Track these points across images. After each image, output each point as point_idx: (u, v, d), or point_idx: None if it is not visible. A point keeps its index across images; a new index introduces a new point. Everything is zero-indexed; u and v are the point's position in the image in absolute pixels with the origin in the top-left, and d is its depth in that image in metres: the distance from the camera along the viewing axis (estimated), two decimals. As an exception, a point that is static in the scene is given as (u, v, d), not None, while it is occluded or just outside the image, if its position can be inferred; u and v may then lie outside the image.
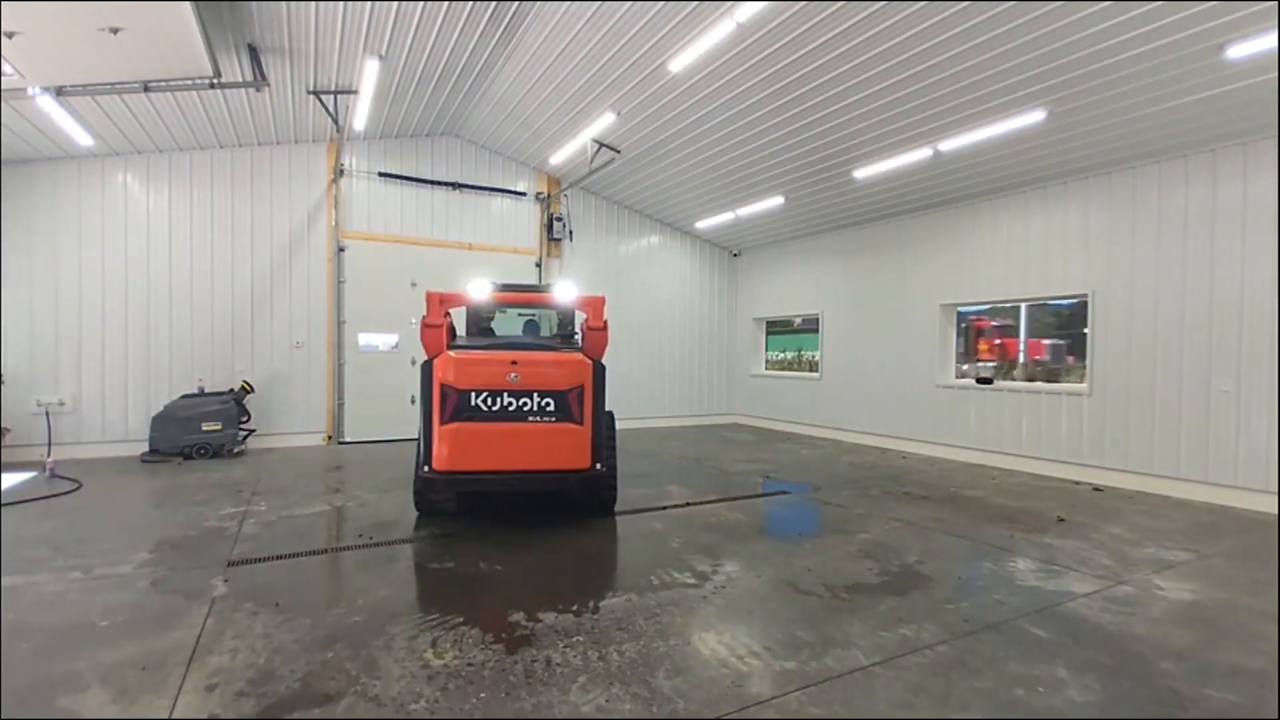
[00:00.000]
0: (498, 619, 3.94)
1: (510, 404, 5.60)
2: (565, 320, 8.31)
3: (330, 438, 11.05)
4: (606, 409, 6.10)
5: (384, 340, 11.62)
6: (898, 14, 6.34)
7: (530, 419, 5.61)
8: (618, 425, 6.97)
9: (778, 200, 11.55)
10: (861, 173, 9.69)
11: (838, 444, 11.90)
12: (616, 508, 6.74)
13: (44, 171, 9.33)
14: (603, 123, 9.78)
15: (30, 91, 6.96)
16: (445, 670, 3.30)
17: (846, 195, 10.85)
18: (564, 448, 5.65)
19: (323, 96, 8.96)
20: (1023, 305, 10.21)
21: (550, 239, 13.03)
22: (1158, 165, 7.94)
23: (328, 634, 3.71)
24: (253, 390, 10.20)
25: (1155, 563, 5.27)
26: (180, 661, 3.36)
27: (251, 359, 10.54)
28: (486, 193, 12.44)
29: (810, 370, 14.10)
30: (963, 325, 11.14)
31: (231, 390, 10.05)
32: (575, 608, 4.14)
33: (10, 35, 5.80)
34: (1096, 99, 6.92)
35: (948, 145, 8.41)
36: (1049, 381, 9.83)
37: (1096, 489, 8.11)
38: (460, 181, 12.14)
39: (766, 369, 15.30)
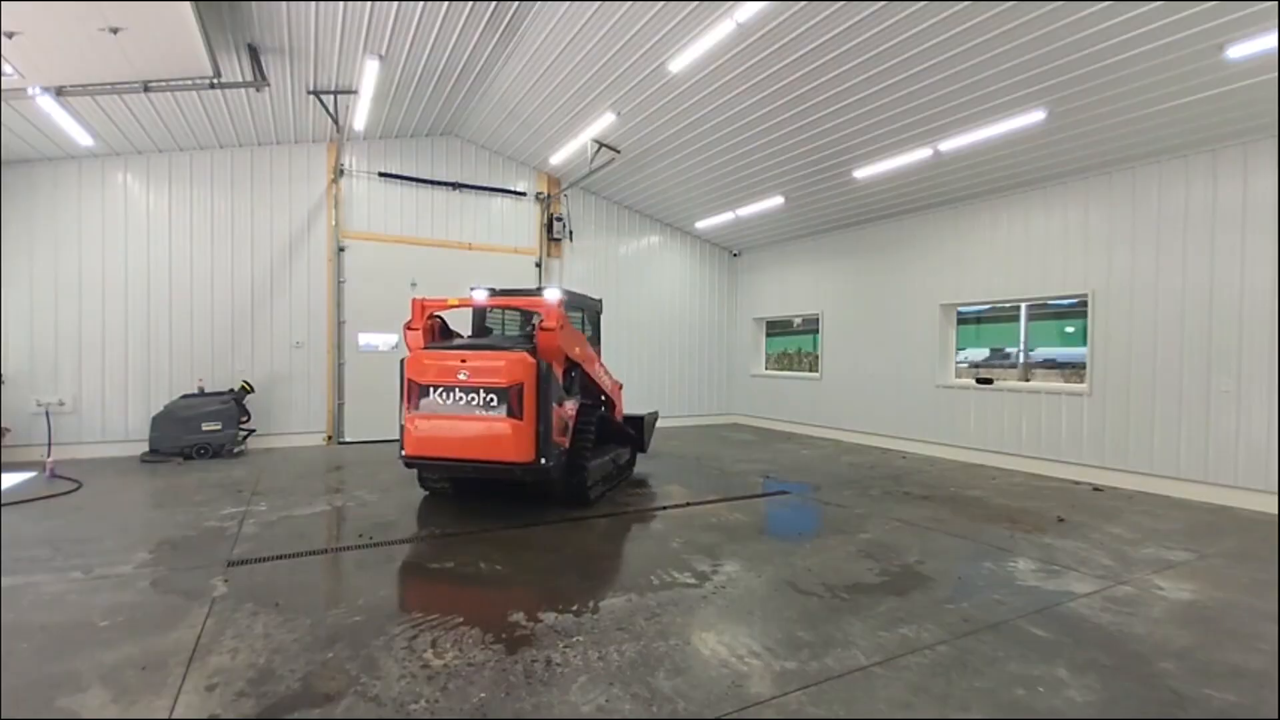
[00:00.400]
0: (498, 619, 3.94)
1: (460, 398, 6.18)
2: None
3: (330, 438, 11.05)
4: (647, 411, 8.52)
5: (384, 340, 11.62)
6: (898, 14, 6.34)
7: (476, 412, 6.10)
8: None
9: (778, 200, 11.55)
10: (861, 173, 9.69)
11: (838, 444, 11.90)
12: (616, 508, 6.75)
13: (44, 171, 9.33)
14: (603, 123, 9.78)
15: (30, 91, 6.96)
16: (445, 670, 3.30)
17: (846, 195, 10.85)
18: (506, 441, 6.01)
19: (323, 96, 8.96)
20: (1023, 305, 10.21)
21: (550, 239, 13.03)
22: (1158, 165, 7.94)
23: (328, 634, 3.71)
24: (253, 390, 10.20)
25: (1155, 563, 5.27)
26: (180, 661, 3.36)
27: (251, 359, 10.54)
28: (486, 193, 12.44)
29: (810, 370, 14.09)
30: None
31: (231, 390, 10.05)
32: (575, 608, 4.14)
33: (10, 35, 5.80)
34: (1096, 99, 6.92)
35: (948, 145, 8.41)
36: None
37: (1096, 489, 8.11)
38: (460, 181, 12.14)
39: (767, 369, 15.30)
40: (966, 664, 3.47)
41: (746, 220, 12.90)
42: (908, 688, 3.21)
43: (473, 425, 6.13)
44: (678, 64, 7.69)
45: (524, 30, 8.15)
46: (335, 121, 9.45)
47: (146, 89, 7.36)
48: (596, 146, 10.77)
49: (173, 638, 3.63)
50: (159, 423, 9.38)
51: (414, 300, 6.75)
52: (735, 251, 15.42)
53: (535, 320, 6.95)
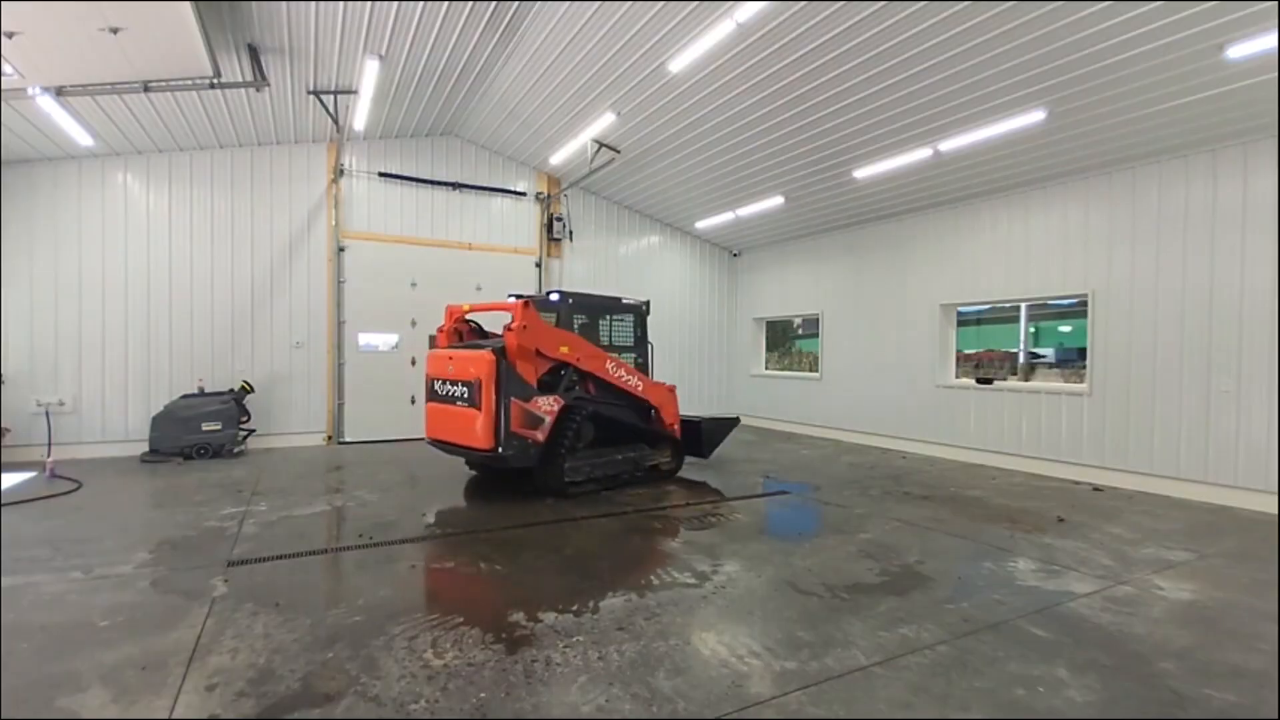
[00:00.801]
0: (498, 619, 3.94)
1: (450, 391, 7.19)
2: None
3: (330, 438, 11.05)
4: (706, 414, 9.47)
5: (384, 340, 11.62)
6: (898, 14, 6.34)
7: (458, 404, 7.05)
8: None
9: (778, 200, 11.55)
10: (861, 173, 9.69)
11: (838, 444, 11.90)
12: (616, 508, 6.77)
13: (44, 171, 9.32)
14: (603, 123, 9.78)
15: (30, 91, 6.96)
16: (445, 670, 3.30)
17: (846, 195, 10.85)
18: (472, 429, 6.85)
19: (323, 96, 8.95)
20: (1023, 305, 10.21)
21: (550, 239, 13.03)
22: (1158, 165, 7.94)
23: (328, 634, 3.71)
24: (253, 390, 10.20)
25: (1155, 563, 5.27)
26: (180, 661, 3.36)
27: (251, 359, 10.54)
28: (486, 193, 12.44)
29: (810, 370, 14.10)
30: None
31: (231, 390, 10.05)
32: (575, 608, 4.14)
33: (10, 35, 5.80)
34: (1096, 99, 6.92)
35: (948, 145, 8.41)
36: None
37: (1096, 489, 8.11)
38: (460, 181, 12.14)
39: (767, 369, 15.30)
40: (966, 664, 3.47)
41: (746, 220, 12.90)
42: (908, 688, 3.21)
43: (456, 414, 7.07)
44: (678, 64, 7.69)
45: (524, 30, 8.15)
46: (335, 121, 9.45)
47: (146, 89, 7.35)
48: (596, 146, 10.77)
49: (173, 638, 3.63)
50: (159, 423, 9.38)
51: (448, 306, 7.95)
52: (735, 251, 15.42)
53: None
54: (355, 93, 8.82)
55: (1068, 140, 7.86)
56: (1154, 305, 8.00)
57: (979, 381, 10.26)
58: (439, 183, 11.95)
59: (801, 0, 6.44)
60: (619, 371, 7.87)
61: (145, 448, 9.44)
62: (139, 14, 5.76)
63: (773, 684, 3.23)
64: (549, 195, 13.00)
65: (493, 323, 8.17)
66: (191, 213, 10.17)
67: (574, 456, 7.33)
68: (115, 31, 5.95)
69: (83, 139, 8.56)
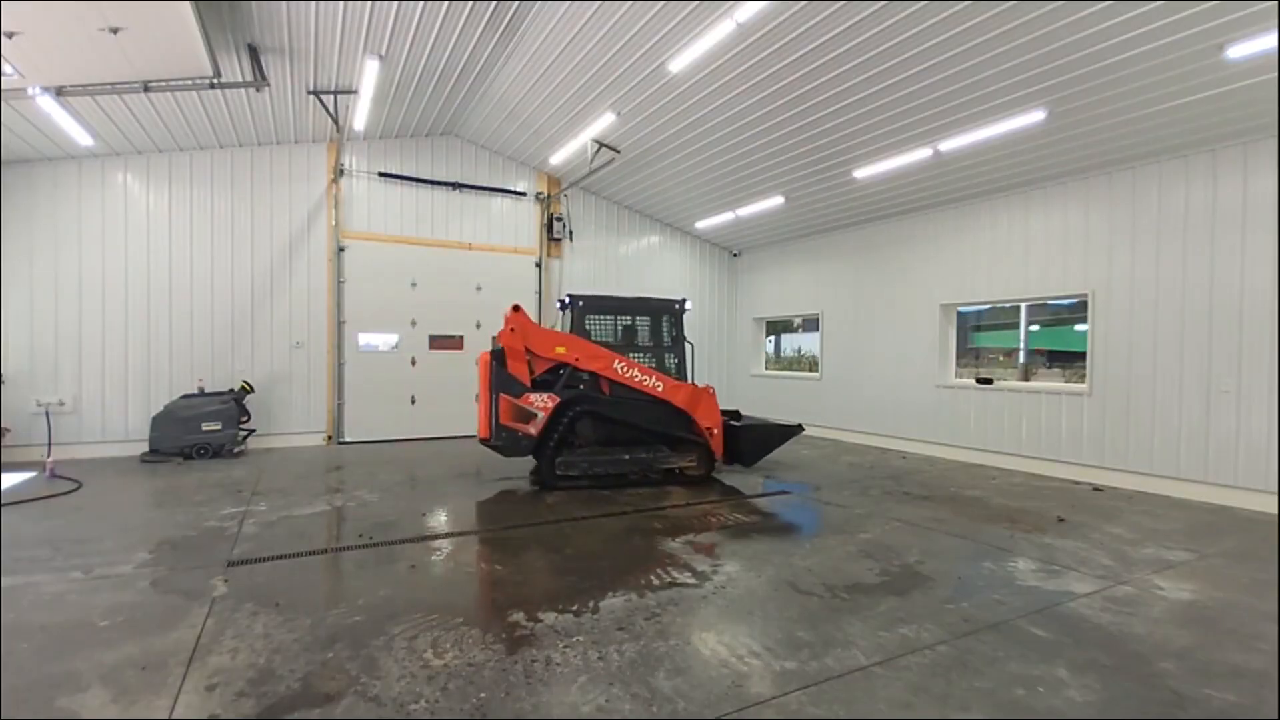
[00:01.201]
0: (498, 619, 3.94)
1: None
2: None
3: (330, 438, 11.05)
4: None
5: (384, 340, 11.62)
6: (898, 14, 6.34)
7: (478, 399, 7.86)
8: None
9: (778, 200, 11.55)
10: (861, 173, 9.69)
11: (838, 444, 11.90)
12: (616, 508, 6.78)
13: (44, 171, 9.32)
14: (603, 123, 9.78)
15: (30, 91, 6.96)
16: (445, 670, 3.30)
17: (846, 195, 10.85)
18: (478, 421, 7.81)
19: (323, 96, 8.95)
20: (1023, 305, 10.21)
21: (550, 239, 13.03)
22: (1158, 165, 7.94)
23: (328, 634, 3.71)
24: (253, 390, 10.20)
25: (1155, 563, 5.27)
26: (180, 661, 3.36)
27: (251, 359, 10.54)
28: (486, 193, 12.44)
29: (810, 370, 14.09)
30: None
31: (231, 390, 10.05)
32: (575, 608, 4.14)
33: (10, 35, 5.80)
34: (1096, 99, 6.92)
35: (948, 145, 8.41)
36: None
37: (1096, 489, 8.11)
38: (460, 181, 12.14)
39: (767, 369, 15.30)
40: (966, 664, 3.47)
41: (746, 220, 12.90)
42: (908, 688, 3.21)
43: (480, 408, 7.82)
44: (678, 64, 7.69)
45: (524, 30, 8.15)
46: (335, 121, 9.45)
47: (146, 89, 7.35)
48: (596, 146, 10.77)
49: (173, 638, 3.63)
50: (159, 423, 9.38)
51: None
52: (735, 251, 15.42)
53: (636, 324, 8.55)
54: (355, 93, 8.82)
55: (1068, 140, 7.86)
56: (1154, 305, 8.00)
57: (979, 381, 10.26)
58: (439, 183, 11.95)
59: (801, 0, 6.44)
60: (630, 371, 7.82)
61: (145, 448, 9.44)
62: (139, 14, 5.76)
63: (773, 684, 3.23)
64: (549, 195, 13.00)
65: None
66: (191, 213, 10.17)
67: (571, 452, 7.76)
68: (115, 31, 5.95)
69: (83, 139, 8.56)
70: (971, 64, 6.81)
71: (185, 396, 9.77)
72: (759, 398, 14.65)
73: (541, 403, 7.47)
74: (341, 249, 11.17)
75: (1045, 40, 6.23)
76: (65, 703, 2.97)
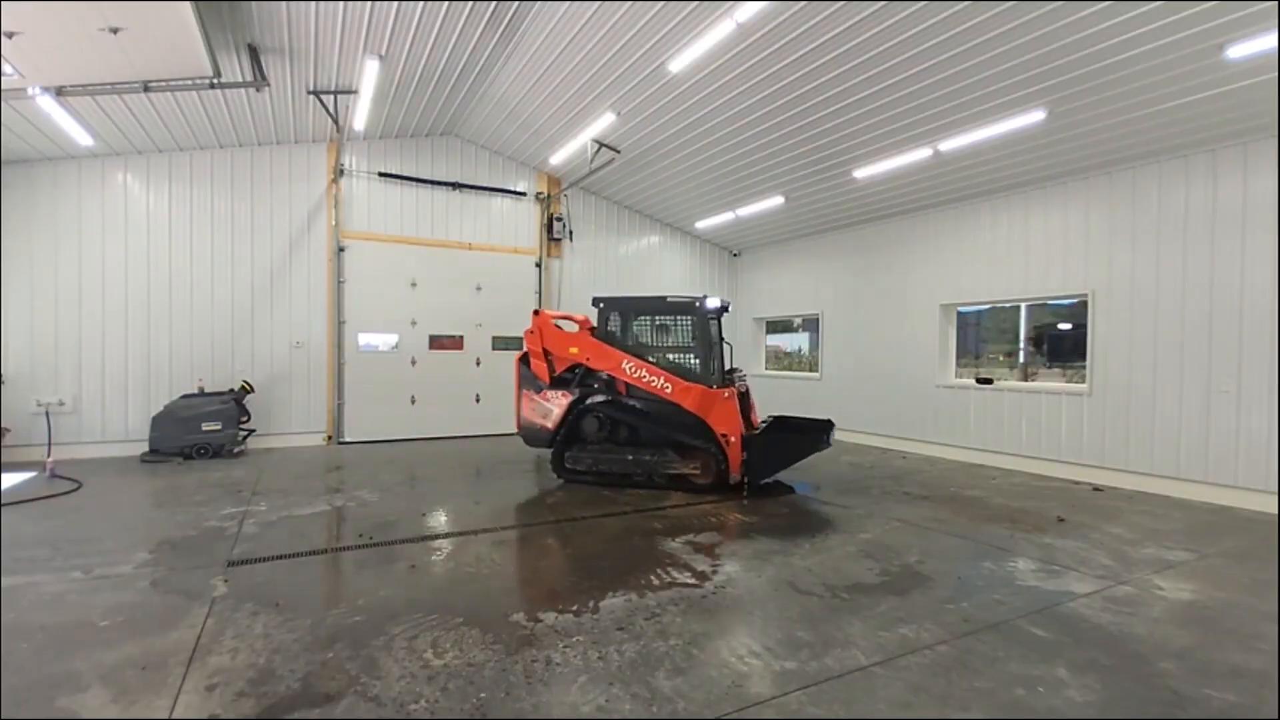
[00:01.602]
0: (498, 619, 3.94)
1: None
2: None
3: (330, 438, 11.05)
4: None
5: (384, 340, 11.62)
6: (898, 14, 6.34)
7: None
8: None
9: (778, 200, 11.55)
10: (861, 173, 9.69)
11: (838, 444, 11.84)
12: (616, 508, 6.79)
13: (44, 171, 9.32)
14: (603, 123, 9.78)
15: (30, 91, 6.96)
16: (445, 670, 3.30)
17: (846, 195, 10.84)
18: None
19: (323, 96, 8.95)
20: (1023, 305, 10.22)
21: (550, 239, 13.03)
22: (1158, 165, 7.94)
23: (328, 634, 3.71)
24: (253, 390, 10.20)
25: (1155, 563, 5.27)
26: (180, 661, 3.36)
27: (251, 359, 10.53)
28: (486, 193, 12.44)
29: (809, 370, 14.09)
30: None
31: (231, 390, 10.05)
32: (575, 608, 4.14)
33: (10, 35, 5.80)
34: (1096, 99, 6.92)
35: (948, 145, 8.40)
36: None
37: (1096, 489, 8.11)
38: (460, 181, 12.14)
39: (766, 369, 15.29)
40: (966, 664, 3.47)
41: (746, 220, 12.90)
42: (908, 688, 3.21)
43: None
44: (678, 64, 7.69)
45: (524, 30, 8.15)
46: (335, 121, 9.45)
47: (146, 89, 7.35)
48: (596, 146, 10.77)
49: (173, 638, 3.64)
50: (159, 423, 9.38)
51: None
52: (735, 251, 15.42)
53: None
54: (355, 93, 8.82)
55: (1068, 140, 7.86)
56: (1154, 305, 8.00)
57: (979, 381, 10.26)
58: (439, 183, 11.95)
59: (801, 0, 6.44)
60: (638, 372, 7.80)
61: (145, 448, 9.44)
62: (139, 14, 5.76)
63: (773, 684, 3.23)
64: (549, 195, 13.00)
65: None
66: (191, 213, 10.17)
67: (581, 448, 8.00)
68: (115, 31, 5.95)
69: (83, 139, 8.56)
70: (971, 64, 6.81)
71: (185, 396, 9.77)
72: (759, 398, 14.64)
73: (556, 399, 8.01)
74: (341, 249, 11.17)
75: (1045, 40, 6.22)
76: (65, 703, 2.98)
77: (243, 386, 10.10)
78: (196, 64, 6.82)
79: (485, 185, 12.40)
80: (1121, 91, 6.71)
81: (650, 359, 7.91)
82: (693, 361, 7.95)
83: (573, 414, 7.94)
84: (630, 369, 7.83)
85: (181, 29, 6.09)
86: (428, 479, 8.34)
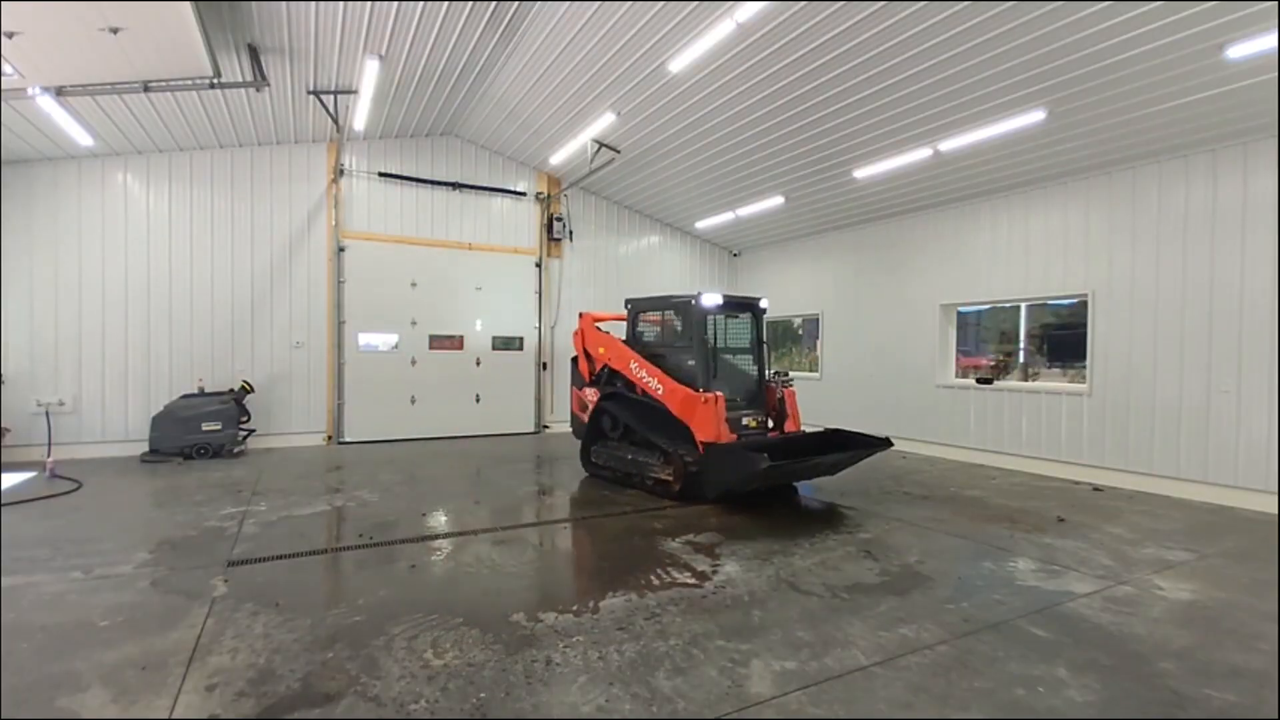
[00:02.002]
0: (498, 619, 3.94)
1: None
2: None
3: (330, 438, 11.05)
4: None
5: (384, 340, 11.62)
6: (898, 14, 6.34)
7: None
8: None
9: (778, 200, 11.55)
10: (861, 173, 9.69)
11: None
12: (616, 508, 6.78)
13: (44, 171, 9.32)
14: (603, 123, 9.78)
15: (30, 91, 6.96)
16: (445, 670, 3.30)
17: (846, 195, 10.84)
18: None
19: (323, 96, 8.95)
20: (1023, 305, 10.22)
21: (550, 239, 13.03)
22: (1158, 165, 7.94)
23: (328, 634, 3.71)
24: (253, 390, 10.20)
25: (1155, 563, 5.27)
26: (180, 661, 3.36)
27: (251, 359, 10.53)
28: (486, 193, 12.44)
29: (810, 370, 14.09)
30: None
31: (231, 390, 10.05)
32: (575, 608, 4.14)
33: (10, 35, 5.80)
34: (1096, 99, 6.92)
35: (948, 145, 8.40)
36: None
37: (1096, 489, 8.11)
38: (460, 181, 12.14)
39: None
40: (966, 664, 3.47)
41: (746, 220, 12.90)
42: (908, 688, 3.21)
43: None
44: (678, 64, 7.69)
45: (524, 30, 8.15)
46: (335, 121, 9.45)
47: (146, 89, 7.35)
48: (596, 146, 10.77)
49: (173, 638, 3.64)
50: (159, 423, 9.38)
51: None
52: (735, 251, 15.42)
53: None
54: (355, 93, 8.82)
55: (1068, 140, 7.86)
56: (1154, 305, 8.00)
57: (979, 381, 10.26)
58: (439, 183, 11.95)
59: (801, 0, 6.44)
60: (640, 372, 7.86)
61: (145, 448, 9.44)
62: (139, 14, 5.76)
63: (773, 684, 3.23)
64: (549, 195, 13.00)
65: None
66: (191, 213, 10.17)
67: (603, 444, 8.38)
68: (115, 31, 5.94)
69: (83, 139, 8.56)
70: (971, 64, 6.81)
71: (185, 396, 9.77)
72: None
73: (589, 396, 8.57)
74: (341, 249, 11.17)
75: (1045, 40, 6.22)
76: (65, 703, 2.98)
77: (243, 386, 10.10)
78: (196, 64, 6.81)
79: (485, 185, 12.39)
80: (1121, 91, 6.71)
81: (653, 358, 7.92)
82: (690, 362, 7.62)
83: (599, 412, 8.39)
84: (635, 368, 7.91)
85: (181, 29, 6.08)
86: (428, 479, 8.34)
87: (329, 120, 9.53)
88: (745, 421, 7.67)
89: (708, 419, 7.04)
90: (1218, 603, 4.43)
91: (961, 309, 10.86)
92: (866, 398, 11.95)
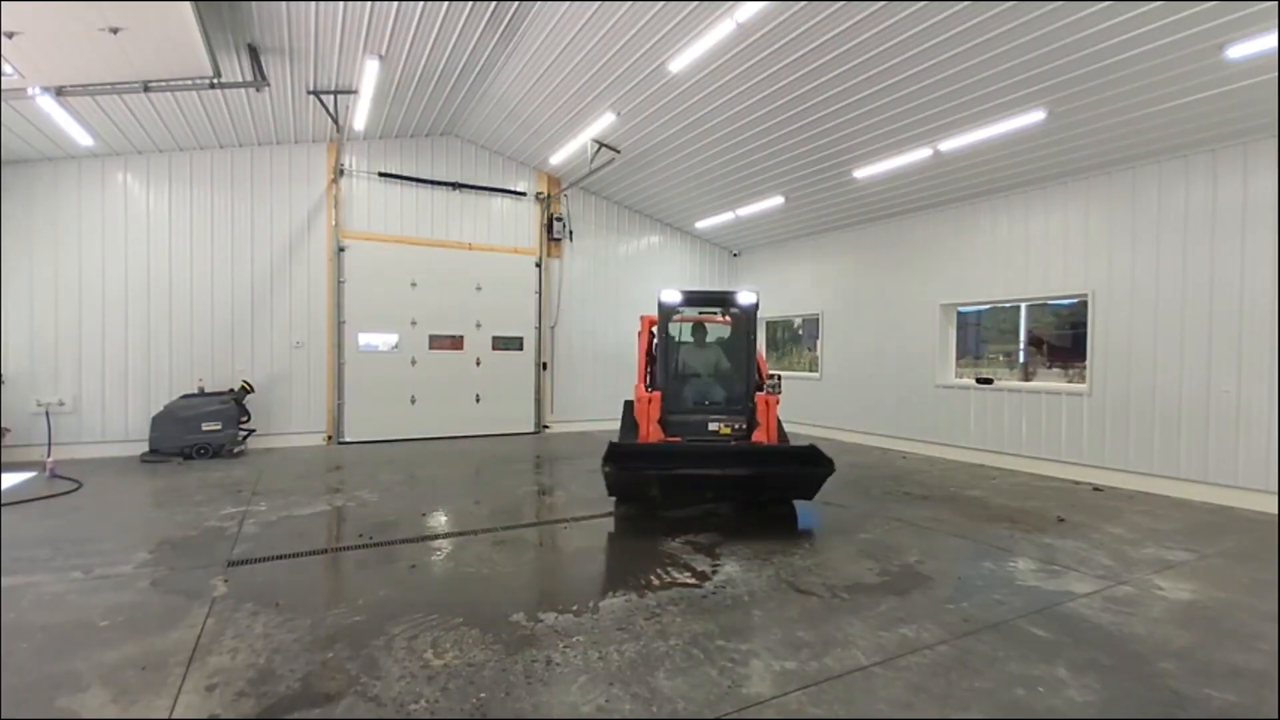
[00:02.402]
0: (498, 619, 3.94)
1: None
2: None
3: (330, 438, 11.05)
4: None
5: (384, 340, 11.62)
6: (898, 14, 6.34)
7: None
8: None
9: (778, 200, 11.55)
10: (861, 173, 9.69)
11: (838, 444, 11.88)
12: (617, 508, 6.78)
13: (44, 171, 9.32)
14: (603, 123, 9.78)
15: (30, 91, 6.96)
16: (445, 670, 3.30)
17: (846, 195, 10.85)
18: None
19: (323, 96, 8.95)
20: (1023, 305, 10.22)
21: (550, 239, 13.03)
22: (1158, 165, 7.94)
23: (328, 634, 3.71)
24: (253, 390, 10.20)
25: (1155, 563, 5.27)
26: (180, 661, 3.36)
27: (251, 359, 10.53)
28: (486, 193, 12.44)
29: (810, 370, 14.10)
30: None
31: (231, 390, 10.05)
32: (575, 608, 4.14)
33: (10, 35, 5.80)
34: (1096, 99, 6.92)
35: (948, 145, 8.41)
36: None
37: (1096, 489, 8.11)
38: (460, 181, 12.14)
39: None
40: (966, 664, 3.47)
41: (746, 220, 12.90)
42: (908, 688, 3.21)
43: None
44: (678, 64, 7.69)
45: (524, 30, 8.15)
46: (335, 121, 9.45)
47: (146, 89, 7.35)
48: (596, 146, 10.77)
49: (173, 638, 3.63)
50: (159, 423, 9.38)
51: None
52: (735, 251, 15.43)
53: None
54: (355, 93, 8.83)
55: (1068, 140, 7.86)
56: (1154, 305, 8.00)
57: (979, 381, 10.27)
58: (439, 183, 11.95)
59: (802, 0, 6.44)
60: (646, 370, 7.98)
61: (145, 448, 9.44)
62: (139, 14, 5.76)
63: (773, 684, 3.23)
64: (549, 195, 13.00)
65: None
66: (191, 213, 10.17)
67: None
68: (115, 31, 5.94)
69: (83, 139, 8.56)
70: (971, 64, 6.81)
71: (185, 396, 9.77)
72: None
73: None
74: (341, 249, 11.17)
75: (1045, 40, 6.22)
76: (65, 703, 2.98)
77: (243, 386, 10.10)
78: (196, 64, 6.81)
79: (485, 185, 12.40)
80: (1121, 91, 6.71)
81: (650, 360, 8.00)
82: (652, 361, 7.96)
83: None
84: (646, 368, 8.01)
85: (181, 29, 6.08)
86: (428, 479, 8.34)
87: (329, 120, 9.54)
88: (714, 427, 7.12)
89: (640, 418, 7.22)
90: (1218, 603, 4.43)
91: (961, 309, 10.86)
92: (866, 398, 11.96)
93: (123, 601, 4.16)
